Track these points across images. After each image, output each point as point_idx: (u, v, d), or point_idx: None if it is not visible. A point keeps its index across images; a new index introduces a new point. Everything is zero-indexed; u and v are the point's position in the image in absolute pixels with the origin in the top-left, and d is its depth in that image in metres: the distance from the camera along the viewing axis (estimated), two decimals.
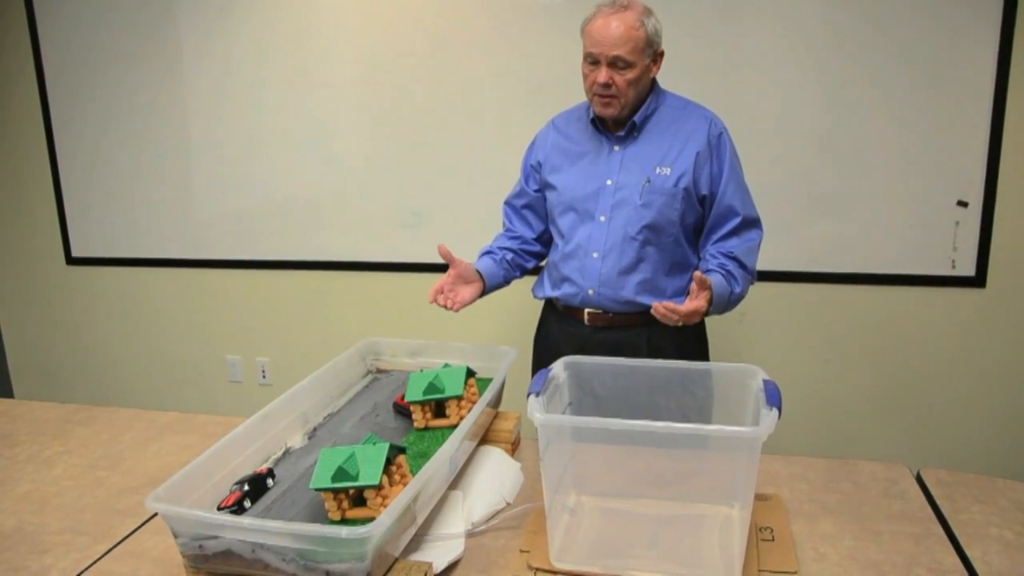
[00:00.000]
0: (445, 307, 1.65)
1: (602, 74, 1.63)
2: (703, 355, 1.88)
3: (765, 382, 1.21)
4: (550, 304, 1.92)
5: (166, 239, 3.20)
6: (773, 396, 1.16)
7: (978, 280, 2.50)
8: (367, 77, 2.83)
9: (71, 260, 3.35)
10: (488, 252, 1.87)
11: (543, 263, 1.94)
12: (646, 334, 1.76)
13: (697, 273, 1.53)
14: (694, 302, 1.53)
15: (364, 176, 2.92)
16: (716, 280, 1.60)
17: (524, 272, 1.91)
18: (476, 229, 2.60)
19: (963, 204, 2.46)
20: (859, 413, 2.69)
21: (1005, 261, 2.48)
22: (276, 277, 3.11)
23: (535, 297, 1.92)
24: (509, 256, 1.87)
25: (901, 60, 2.40)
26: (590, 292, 1.75)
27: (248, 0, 2.87)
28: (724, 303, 1.66)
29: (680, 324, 1.55)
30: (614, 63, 1.62)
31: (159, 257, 3.23)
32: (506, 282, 1.86)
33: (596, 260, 1.74)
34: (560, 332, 1.86)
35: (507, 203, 1.95)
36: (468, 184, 2.82)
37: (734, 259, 1.70)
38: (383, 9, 2.76)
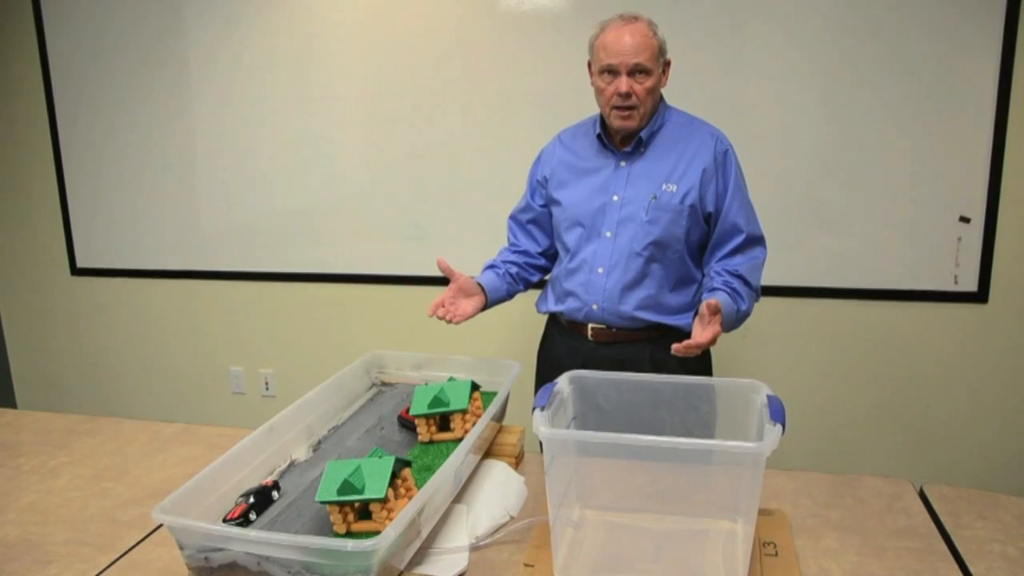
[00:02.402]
0: (445, 320, 1.65)
1: (623, 84, 1.64)
2: (706, 370, 1.88)
3: (769, 397, 1.22)
4: (554, 319, 1.92)
5: (170, 250, 3.21)
6: (777, 412, 1.16)
7: (980, 296, 2.51)
8: (371, 90, 2.85)
9: (76, 271, 3.36)
10: (491, 266, 1.87)
11: (547, 276, 1.95)
12: (649, 349, 1.76)
13: (708, 300, 1.51)
14: (711, 328, 1.51)
15: (368, 188, 2.94)
16: (723, 299, 1.60)
17: (528, 286, 1.92)
18: (479, 241, 2.61)
19: (965, 220, 2.47)
20: (861, 428, 2.69)
21: (1007, 277, 2.49)
22: (280, 289, 3.12)
23: (539, 312, 1.93)
24: (513, 269, 1.87)
25: (903, 76, 2.42)
26: (594, 307, 1.76)
27: (254, 13, 2.90)
28: (732, 321, 1.65)
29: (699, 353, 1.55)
30: (634, 72, 1.64)
31: (163, 268, 3.24)
32: (509, 296, 1.86)
33: (601, 276, 1.74)
34: (564, 347, 1.86)
35: (512, 218, 1.96)
36: (471, 197, 2.83)
37: (739, 277, 1.70)
38: (388, 23, 2.78)
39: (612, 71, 1.65)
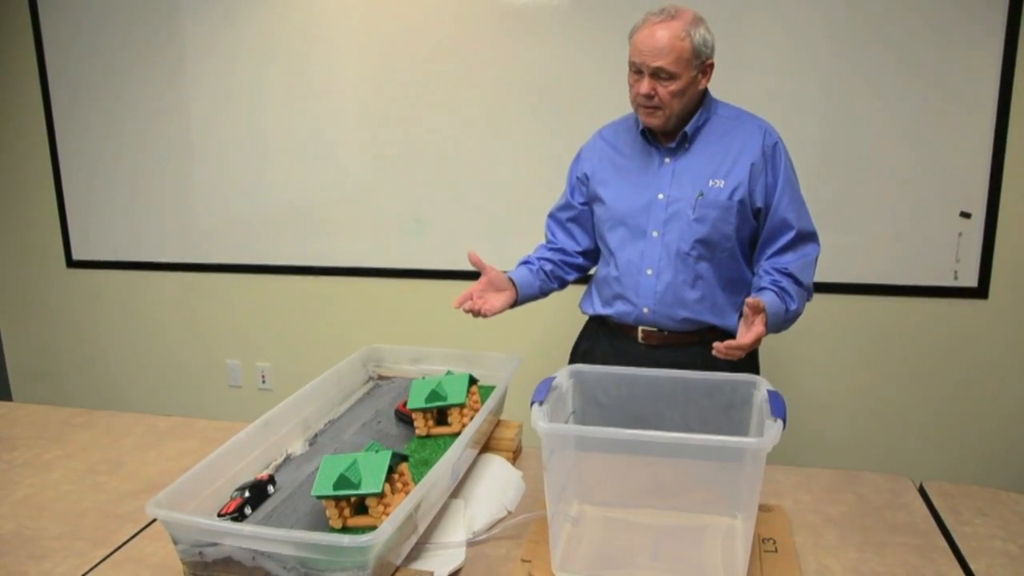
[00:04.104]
0: (473, 312, 1.58)
1: (644, 84, 1.58)
2: (754, 370, 1.81)
3: (770, 393, 1.21)
4: (599, 321, 1.85)
5: (167, 243, 3.20)
6: (778, 407, 1.15)
7: (980, 291, 2.50)
8: (370, 83, 2.84)
9: (72, 263, 3.35)
10: (525, 262, 1.82)
11: (591, 271, 1.89)
12: (701, 352, 1.68)
13: (749, 299, 1.47)
14: (753, 329, 1.47)
15: (366, 182, 2.92)
16: (769, 299, 1.54)
17: (563, 284, 1.86)
18: (478, 236, 2.60)
19: (966, 215, 2.46)
20: (861, 423, 2.69)
21: (1007, 272, 2.48)
22: (277, 282, 3.11)
23: (583, 313, 1.87)
24: (548, 267, 1.81)
25: (905, 71, 2.41)
26: (644, 311, 1.70)
27: (252, 6, 2.88)
28: (779, 322, 1.59)
29: (744, 356, 1.50)
30: (656, 74, 1.57)
31: (160, 261, 3.23)
32: (543, 293, 1.81)
33: (650, 278, 1.69)
34: (612, 349, 1.79)
35: (551, 216, 1.89)
36: (470, 191, 2.81)
37: (788, 275, 1.64)
38: (387, 17, 2.77)
39: (637, 69, 1.60)
